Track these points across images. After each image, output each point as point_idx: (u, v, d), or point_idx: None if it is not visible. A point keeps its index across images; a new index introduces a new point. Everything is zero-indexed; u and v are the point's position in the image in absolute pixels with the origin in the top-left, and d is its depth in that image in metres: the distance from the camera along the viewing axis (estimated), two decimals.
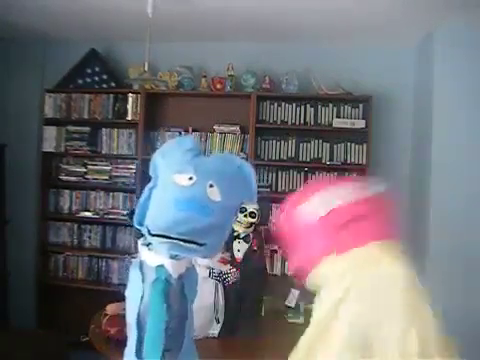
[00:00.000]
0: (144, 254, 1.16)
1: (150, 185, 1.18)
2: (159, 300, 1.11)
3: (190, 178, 1.10)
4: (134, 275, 1.17)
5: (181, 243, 1.06)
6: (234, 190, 1.15)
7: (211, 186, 1.10)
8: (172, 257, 1.12)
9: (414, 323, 0.99)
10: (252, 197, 1.24)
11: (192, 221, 1.06)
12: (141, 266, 1.16)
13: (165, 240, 1.07)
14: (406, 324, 0.98)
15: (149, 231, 1.10)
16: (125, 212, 3.89)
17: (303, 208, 1.14)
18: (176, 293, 1.14)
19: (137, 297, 1.13)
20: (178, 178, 1.10)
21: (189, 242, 1.07)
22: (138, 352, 1.12)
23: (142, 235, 1.15)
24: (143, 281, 1.14)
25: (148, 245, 1.15)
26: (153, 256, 1.13)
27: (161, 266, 1.13)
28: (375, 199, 1.12)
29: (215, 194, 1.10)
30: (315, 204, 1.13)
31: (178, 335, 1.15)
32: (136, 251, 1.23)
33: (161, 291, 1.11)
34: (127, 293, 1.20)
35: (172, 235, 1.06)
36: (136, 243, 1.23)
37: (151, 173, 1.20)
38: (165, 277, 1.12)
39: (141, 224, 1.13)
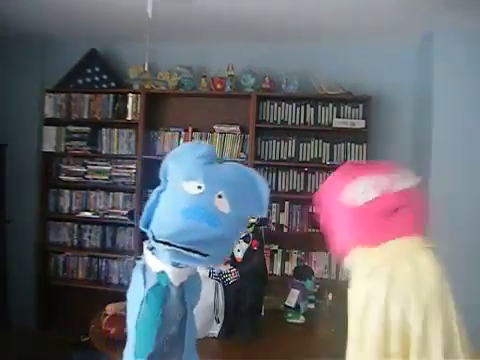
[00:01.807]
0: (148, 258, 1.15)
1: (159, 188, 1.15)
2: (155, 306, 1.10)
3: (199, 187, 1.07)
4: (136, 278, 1.15)
5: (184, 252, 1.04)
6: (244, 202, 1.12)
7: (220, 197, 1.07)
8: (174, 265, 1.10)
9: (442, 317, 1.01)
10: (262, 211, 1.19)
11: (197, 231, 1.04)
12: (144, 270, 1.15)
13: (168, 247, 1.05)
14: (435, 318, 1.00)
15: (153, 236, 1.09)
16: (125, 212, 3.90)
17: (348, 190, 1.12)
18: (176, 301, 1.13)
19: (138, 300, 1.12)
20: (187, 185, 1.08)
21: (192, 251, 1.05)
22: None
23: (147, 237, 1.14)
24: (145, 285, 1.13)
25: (152, 249, 1.13)
26: (156, 261, 1.12)
27: (163, 272, 1.11)
28: (415, 192, 1.13)
29: (223, 205, 1.07)
30: (360, 188, 1.11)
31: (178, 341, 1.14)
32: (138, 251, 1.22)
33: (159, 298, 1.10)
34: (128, 295, 1.19)
35: (176, 243, 1.04)
36: (139, 243, 1.22)
37: (161, 176, 1.16)
38: (166, 284, 1.11)
39: (147, 227, 1.12)
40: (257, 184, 1.15)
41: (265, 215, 1.25)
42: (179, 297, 1.13)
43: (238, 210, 1.10)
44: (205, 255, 1.07)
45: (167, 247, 1.05)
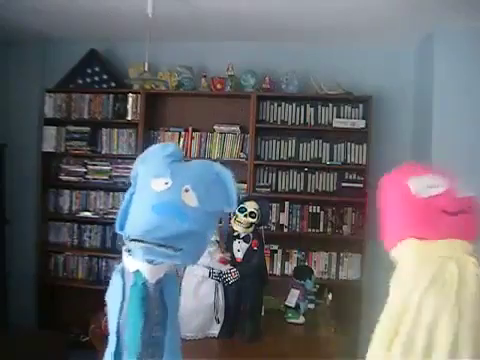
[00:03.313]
0: (124, 259, 1.17)
1: (131, 191, 1.18)
2: (137, 306, 1.11)
3: (166, 183, 1.10)
4: (115, 280, 1.17)
5: (156, 248, 1.06)
6: (212, 196, 1.15)
7: (186, 191, 1.10)
8: (149, 262, 1.12)
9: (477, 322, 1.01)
10: (231, 204, 1.22)
11: (168, 226, 1.07)
12: (123, 272, 1.16)
13: (141, 245, 1.07)
14: (471, 321, 1.00)
15: (128, 236, 1.11)
16: None
17: (414, 181, 1.13)
18: (154, 299, 1.14)
19: (117, 302, 1.14)
20: (155, 183, 1.11)
21: (165, 247, 1.07)
22: (116, 358, 1.12)
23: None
24: (124, 287, 1.14)
25: (129, 251, 1.15)
26: (132, 261, 1.14)
27: (138, 271, 1.13)
28: (477, 202, 1.15)
29: (191, 199, 1.10)
30: (427, 182, 1.12)
31: (162, 342, 1.14)
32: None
33: (138, 297, 1.11)
34: (107, 298, 1.19)
35: (148, 240, 1.06)
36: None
37: (131, 179, 1.20)
38: (142, 282, 1.12)
39: (122, 229, 1.14)
40: (223, 178, 1.18)
41: (234, 209, 1.27)
42: (156, 295, 1.14)
43: (206, 203, 1.12)
44: (178, 250, 1.08)
45: (140, 244, 1.07)
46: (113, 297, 1.16)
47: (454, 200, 1.11)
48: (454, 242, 1.08)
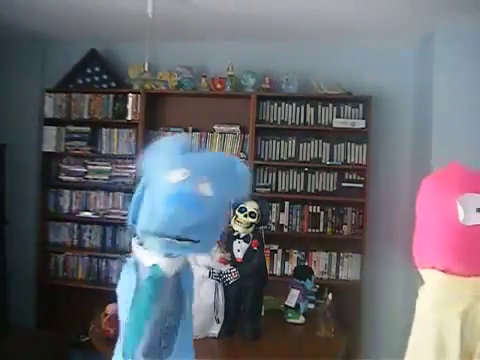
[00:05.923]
0: (138, 253, 1.16)
1: (142, 184, 1.18)
2: (147, 297, 1.10)
3: (184, 173, 1.09)
4: (127, 274, 1.16)
5: (175, 241, 1.06)
6: (226, 186, 1.15)
7: (203, 181, 1.09)
8: (167, 255, 1.12)
9: None
10: (244, 194, 1.24)
11: (184, 217, 1.05)
12: (136, 266, 1.16)
13: (159, 239, 1.06)
14: None
15: (143, 230, 1.10)
16: (125, 212, 3.90)
17: (465, 202, 0.97)
18: (172, 290, 1.14)
19: (130, 295, 1.13)
20: (171, 175, 1.10)
21: (183, 240, 1.06)
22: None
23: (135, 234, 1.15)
24: (137, 280, 1.14)
25: (142, 244, 1.15)
26: (147, 255, 1.13)
27: (155, 265, 1.12)
28: None
29: (206, 189, 1.09)
30: (473, 204, 0.96)
31: (174, 332, 1.14)
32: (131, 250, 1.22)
33: (151, 289, 1.11)
34: (118, 291, 1.19)
35: (166, 233, 1.05)
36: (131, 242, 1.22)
37: (142, 172, 1.20)
38: (160, 276, 1.12)
39: (135, 222, 1.13)
40: (239, 169, 1.19)
41: (247, 192, 1.28)
42: (174, 286, 1.14)
43: (221, 193, 1.12)
44: (196, 242, 1.08)
45: (157, 239, 1.06)
46: (126, 289, 1.15)
47: None
48: None
